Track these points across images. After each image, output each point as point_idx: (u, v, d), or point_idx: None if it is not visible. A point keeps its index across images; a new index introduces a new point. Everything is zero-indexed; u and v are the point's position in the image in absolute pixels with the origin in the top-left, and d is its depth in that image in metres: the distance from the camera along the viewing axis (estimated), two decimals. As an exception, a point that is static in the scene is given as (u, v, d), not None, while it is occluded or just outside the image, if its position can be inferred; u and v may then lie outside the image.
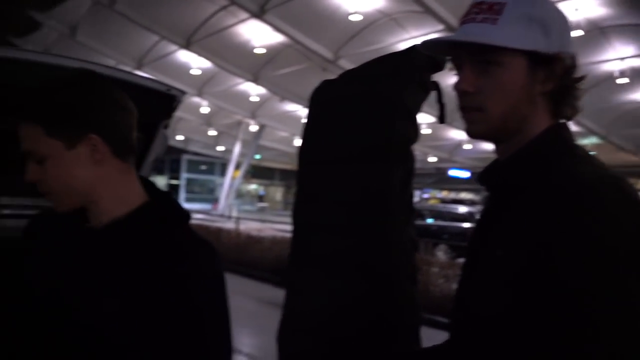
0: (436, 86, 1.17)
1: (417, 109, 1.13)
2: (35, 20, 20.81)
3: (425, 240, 9.27)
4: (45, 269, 1.05)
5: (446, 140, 28.37)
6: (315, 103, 1.24)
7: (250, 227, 14.69)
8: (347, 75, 1.25)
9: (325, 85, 1.27)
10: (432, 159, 33.04)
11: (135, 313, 0.96)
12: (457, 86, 0.88)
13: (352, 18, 14.96)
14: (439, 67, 1.10)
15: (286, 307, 1.24)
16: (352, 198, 1.10)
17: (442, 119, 1.05)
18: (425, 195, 35.40)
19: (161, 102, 2.59)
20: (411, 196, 1.13)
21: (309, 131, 1.25)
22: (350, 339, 1.03)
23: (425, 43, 0.91)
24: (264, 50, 18.94)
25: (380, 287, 1.03)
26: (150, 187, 1.12)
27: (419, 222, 15.15)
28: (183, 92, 2.63)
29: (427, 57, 1.04)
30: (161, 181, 49.96)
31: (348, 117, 1.15)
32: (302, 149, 1.26)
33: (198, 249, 1.04)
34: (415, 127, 1.11)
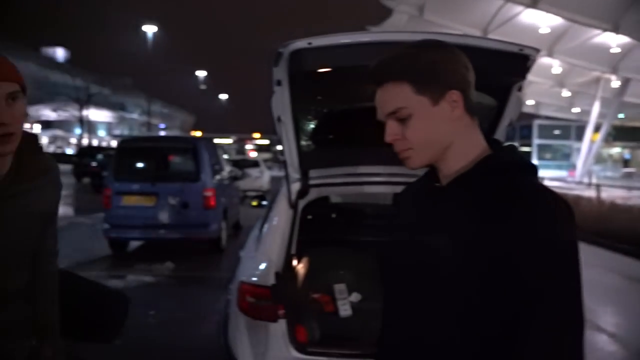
0: None
1: None
2: (386, 7, 22.87)
3: None
4: (407, 228, 1.17)
5: None
6: None
7: (614, 195, 13.18)
8: None
9: None
10: None
11: (486, 265, 1.00)
12: None
13: None
14: None
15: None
16: None
17: None
18: None
19: (513, 64, 2.53)
20: None
21: None
22: None
23: None
24: (626, -8, 16.54)
25: None
26: (494, 142, 1.15)
27: None
28: (537, 50, 2.50)
29: None
30: (511, 149, 48.97)
31: None
32: None
33: (548, 201, 1.02)
34: None
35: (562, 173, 33.51)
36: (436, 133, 1.09)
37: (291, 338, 2.44)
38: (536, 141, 43.40)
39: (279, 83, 2.52)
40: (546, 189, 1.05)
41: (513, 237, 0.98)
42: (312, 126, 3.06)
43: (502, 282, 0.98)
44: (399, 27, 24.46)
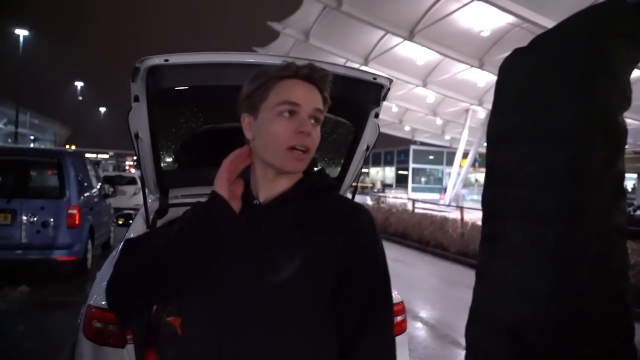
0: None
1: (627, 71, 0.93)
2: (274, 30, 23.19)
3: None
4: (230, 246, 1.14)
5: None
6: (504, 74, 1.12)
7: (477, 216, 14.22)
8: (539, 39, 1.09)
9: (516, 53, 1.13)
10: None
11: (312, 269, 1.10)
12: None
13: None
14: None
15: (473, 297, 1.16)
16: (542, 180, 0.96)
17: None
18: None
19: (369, 91, 2.62)
20: (620, 177, 0.94)
21: (497, 106, 1.13)
22: (538, 338, 0.90)
23: None
24: (488, 33, 18.10)
25: (573, 280, 0.88)
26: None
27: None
28: (390, 80, 2.63)
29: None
30: (389, 172, 51.39)
31: (538, 86, 1.00)
32: (489, 126, 1.15)
33: (352, 206, 1.18)
34: (623, 92, 0.92)
35: (435, 196, 35.60)
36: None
37: None
38: (412, 165, 45.83)
39: (136, 99, 2.43)
40: (350, 200, 1.22)
41: (348, 248, 1.10)
42: (172, 144, 2.98)
43: (340, 290, 1.10)
44: (285, 50, 24.85)
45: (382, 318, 1.12)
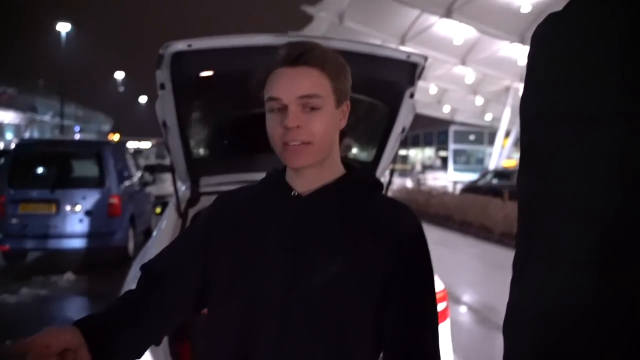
0: None
1: None
2: (307, 14, 23.08)
3: None
4: (254, 237, 1.08)
5: None
6: (539, 45, 1.00)
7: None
8: (578, 2, 0.97)
9: (551, 20, 1.01)
10: None
11: (352, 271, 1.02)
12: None
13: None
14: None
15: (510, 294, 1.06)
16: (586, 167, 0.85)
17: None
18: None
19: (403, 71, 2.52)
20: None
21: (531, 82, 1.02)
22: (583, 351, 0.81)
23: None
24: (529, 9, 17.50)
25: (622, 284, 0.78)
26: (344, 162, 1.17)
27: None
28: (424, 58, 2.52)
29: None
30: (429, 152, 50.74)
31: (581, 56, 0.89)
32: (522, 105, 1.04)
33: (399, 209, 1.11)
34: None
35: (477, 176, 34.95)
36: (332, 134, 1.06)
37: (174, 356, 2.31)
38: (452, 146, 45.05)
39: (162, 86, 2.40)
40: (393, 200, 1.15)
41: (396, 257, 1.03)
42: (201, 132, 2.95)
43: (385, 298, 1.03)
44: (320, 33, 24.70)
45: (427, 328, 1.06)
